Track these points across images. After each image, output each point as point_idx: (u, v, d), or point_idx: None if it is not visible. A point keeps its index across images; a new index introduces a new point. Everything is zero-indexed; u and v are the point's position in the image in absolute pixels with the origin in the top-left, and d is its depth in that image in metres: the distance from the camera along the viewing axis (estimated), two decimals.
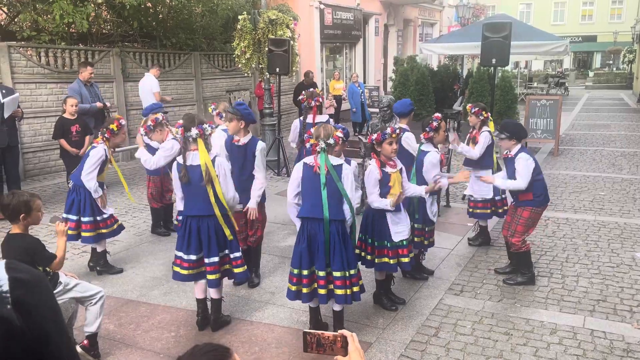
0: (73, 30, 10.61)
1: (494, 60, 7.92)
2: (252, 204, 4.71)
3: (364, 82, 20.28)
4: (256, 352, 3.98)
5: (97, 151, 5.12)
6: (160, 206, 6.59)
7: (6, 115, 6.91)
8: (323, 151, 3.85)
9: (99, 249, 5.42)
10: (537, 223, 5.23)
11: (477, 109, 6.01)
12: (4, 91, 7.05)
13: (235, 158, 4.76)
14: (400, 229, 4.37)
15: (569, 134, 14.73)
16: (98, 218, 5.20)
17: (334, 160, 3.91)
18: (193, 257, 4.08)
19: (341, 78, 16.64)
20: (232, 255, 4.19)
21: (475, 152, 5.92)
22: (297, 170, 4.00)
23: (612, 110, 20.92)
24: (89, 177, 5.07)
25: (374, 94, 17.68)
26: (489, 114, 6.12)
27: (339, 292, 3.89)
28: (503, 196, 6.08)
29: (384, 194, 4.26)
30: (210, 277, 4.11)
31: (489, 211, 6.09)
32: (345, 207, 3.91)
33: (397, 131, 4.26)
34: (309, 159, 3.96)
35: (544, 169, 10.09)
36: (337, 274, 3.87)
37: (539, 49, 13.22)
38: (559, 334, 4.22)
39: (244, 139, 4.73)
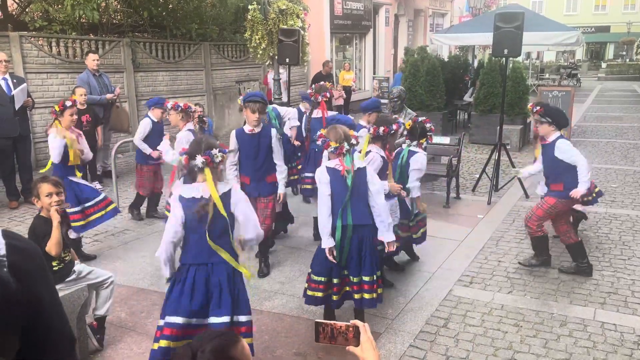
0: (84, 20, 10.63)
1: (505, 51, 7.83)
2: (282, 189, 4.90)
3: (374, 73, 20.22)
4: (266, 341, 4.01)
5: (50, 138, 5.14)
6: (147, 195, 6.74)
7: (17, 106, 6.96)
8: (348, 153, 3.73)
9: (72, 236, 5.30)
10: (560, 214, 5.08)
11: (539, 107, 5.59)
12: (15, 81, 7.10)
13: (249, 148, 4.81)
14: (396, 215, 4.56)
15: (581, 125, 14.60)
16: (86, 205, 5.20)
17: (357, 163, 3.81)
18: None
19: (351, 69, 16.58)
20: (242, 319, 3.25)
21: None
22: (323, 176, 3.75)
23: (624, 102, 20.68)
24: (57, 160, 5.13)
25: (384, 84, 17.62)
26: None
27: (362, 296, 3.81)
28: None
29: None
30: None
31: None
32: (377, 211, 3.81)
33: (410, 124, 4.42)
34: (332, 162, 3.78)
35: None
36: (366, 278, 3.79)
37: (551, 40, 13.07)
38: (569, 326, 4.21)
39: (257, 128, 4.78)
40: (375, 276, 3.82)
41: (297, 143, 6.41)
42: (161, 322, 3.17)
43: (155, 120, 6.58)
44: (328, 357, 3.77)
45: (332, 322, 1.68)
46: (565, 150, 4.84)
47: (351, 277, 3.82)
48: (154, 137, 6.43)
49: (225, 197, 3.14)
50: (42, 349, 1.30)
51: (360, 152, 4.33)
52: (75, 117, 5.33)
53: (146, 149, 6.44)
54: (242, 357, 1.55)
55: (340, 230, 3.71)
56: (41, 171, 5.52)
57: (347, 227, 3.72)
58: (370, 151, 4.47)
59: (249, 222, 3.22)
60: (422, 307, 4.54)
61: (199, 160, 3.08)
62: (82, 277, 3.71)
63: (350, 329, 1.66)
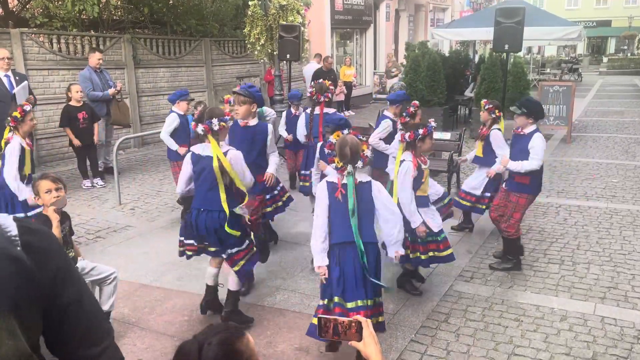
0: (84, 17, 10.64)
1: (506, 46, 7.84)
2: (272, 170, 4.88)
3: (375, 68, 20.20)
4: (268, 336, 4.04)
5: (11, 147, 4.89)
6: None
7: (19, 102, 6.97)
8: (350, 175, 3.43)
9: None
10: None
11: (491, 105, 5.90)
12: (17, 78, 7.12)
13: (242, 141, 4.64)
14: (436, 221, 4.46)
15: (582, 120, 14.59)
16: (29, 214, 4.67)
17: (361, 177, 3.54)
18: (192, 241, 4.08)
19: (352, 64, 16.55)
20: (231, 250, 4.03)
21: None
22: (323, 192, 3.52)
23: (626, 97, 20.65)
24: (10, 177, 4.82)
25: (385, 80, 17.60)
26: (502, 113, 6.02)
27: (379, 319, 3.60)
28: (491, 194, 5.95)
29: (415, 189, 4.30)
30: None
31: (469, 204, 6.04)
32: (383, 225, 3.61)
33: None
34: (334, 177, 3.54)
35: (557, 156, 10.07)
36: (369, 302, 3.47)
37: (552, 35, 13.05)
38: (569, 320, 4.23)
39: (252, 122, 4.75)
40: (378, 300, 3.58)
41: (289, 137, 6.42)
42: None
43: (182, 113, 6.53)
44: (330, 352, 3.79)
45: (335, 317, 1.71)
46: (537, 143, 4.86)
47: (346, 303, 3.44)
48: (181, 131, 6.41)
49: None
50: (70, 331, 1.35)
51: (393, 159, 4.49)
52: (34, 122, 5.11)
53: (172, 145, 6.36)
54: (248, 350, 1.58)
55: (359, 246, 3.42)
56: None
57: (358, 247, 3.42)
58: (404, 160, 4.31)
59: (244, 175, 4.04)
60: (423, 302, 4.57)
61: (200, 128, 3.86)
62: (85, 273, 3.73)
63: (353, 324, 1.68)
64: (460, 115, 14.57)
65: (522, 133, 5.01)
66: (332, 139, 3.71)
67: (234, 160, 3.94)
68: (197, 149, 4.00)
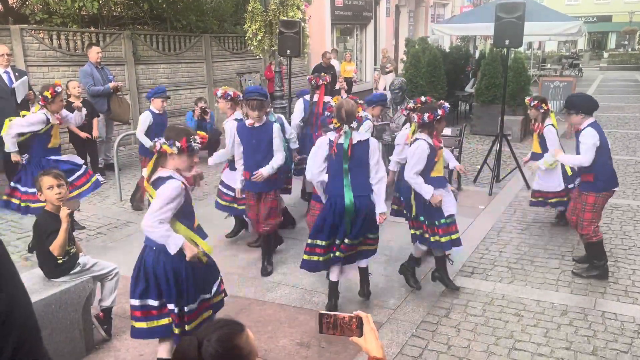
0: (84, 13, 10.62)
1: (507, 42, 7.82)
2: (265, 170, 4.72)
3: (375, 64, 20.16)
4: (269, 332, 4.05)
5: (33, 115, 5.23)
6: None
7: (19, 98, 6.98)
8: (346, 134, 3.91)
9: None
10: (602, 209, 4.89)
11: (536, 101, 5.89)
12: (17, 74, 7.12)
13: (249, 141, 4.79)
14: (450, 203, 4.46)
15: None
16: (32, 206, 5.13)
17: (359, 136, 3.97)
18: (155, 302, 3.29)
19: (352, 60, 16.52)
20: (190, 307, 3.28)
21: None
22: (323, 144, 4.00)
23: (626, 92, 20.62)
24: (7, 132, 5.21)
25: (377, 76, 17.56)
26: (549, 106, 5.99)
27: (366, 248, 4.22)
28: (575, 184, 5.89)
29: (428, 169, 4.34)
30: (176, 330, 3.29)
31: (565, 199, 5.82)
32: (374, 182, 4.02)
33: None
34: (333, 135, 3.98)
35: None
36: (371, 235, 4.19)
37: (552, 30, 13.02)
38: (569, 315, 4.24)
39: (258, 122, 4.76)
40: (377, 235, 4.24)
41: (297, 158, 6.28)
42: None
43: (157, 111, 6.59)
44: (331, 347, 3.81)
45: (335, 313, 1.71)
46: (583, 138, 4.65)
47: (353, 240, 4.08)
48: (156, 129, 6.44)
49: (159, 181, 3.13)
50: (5, 339, 1.24)
51: (406, 139, 4.65)
52: (64, 102, 5.53)
53: (147, 143, 6.44)
54: (247, 346, 1.59)
55: (348, 195, 3.95)
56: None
57: (348, 205, 3.96)
58: (417, 139, 4.37)
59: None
60: (424, 297, 4.58)
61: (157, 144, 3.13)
62: (87, 269, 3.74)
63: (354, 319, 1.69)
64: (461, 111, 14.56)
65: (579, 129, 4.78)
66: (332, 102, 4.02)
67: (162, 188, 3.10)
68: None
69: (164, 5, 11.98)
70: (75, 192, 5.33)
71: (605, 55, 40.61)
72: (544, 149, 5.88)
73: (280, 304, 4.50)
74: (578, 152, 4.74)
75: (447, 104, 4.49)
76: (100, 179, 8.12)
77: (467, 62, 15.49)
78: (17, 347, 1.27)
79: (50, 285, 3.55)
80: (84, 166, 5.70)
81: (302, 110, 6.37)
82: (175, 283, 3.16)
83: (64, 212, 3.48)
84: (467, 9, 21.68)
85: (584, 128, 4.69)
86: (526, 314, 4.27)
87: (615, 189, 4.82)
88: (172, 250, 3.10)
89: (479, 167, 8.38)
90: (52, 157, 5.42)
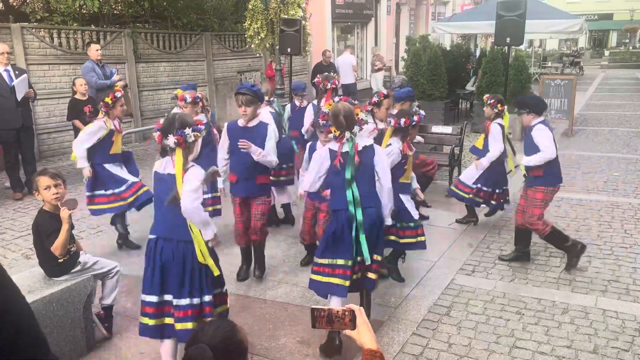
0: (85, 11, 10.62)
1: (508, 40, 7.81)
2: (256, 149, 4.32)
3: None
4: (270, 330, 4.05)
5: (94, 124, 5.16)
6: None
7: (19, 96, 6.98)
8: (349, 141, 3.54)
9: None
10: (548, 205, 5.11)
11: (493, 100, 5.93)
12: (17, 72, 7.12)
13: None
14: (414, 209, 4.47)
15: (583, 114, 14.56)
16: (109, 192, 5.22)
17: (364, 141, 3.64)
18: (154, 298, 3.27)
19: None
20: (205, 299, 3.29)
21: (495, 150, 5.82)
22: (324, 157, 3.61)
23: (627, 90, 20.60)
24: (76, 145, 5.13)
25: (386, 74, 17.55)
26: (505, 107, 6.02)
27: (370, 275, 3.73)
28: (504, 188, 6.04)
29: (398, 176, 4.29)
30: (178, 325, 3.24)
31: (466, 195, 6.06)
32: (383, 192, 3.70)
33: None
34: (334, 145, 3.60)
35: (558, 150, 10.03)
36: (378, 257, 3.73)
37: (553, 28, 13.01)
38: (570, 313, 4.24)
39: (252, 122, 4.49)
40: (380, 257, 3.82)
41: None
42: None
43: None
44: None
45: (328, 307, 1.72)
46: (537, 134, 4.86)
47: (346, 260, 3.60)
48: None
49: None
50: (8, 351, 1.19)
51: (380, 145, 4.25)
52: (125, 107, 5.43)
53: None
54: (244, 338, 1.70)
55: (353, 205, 3.55)
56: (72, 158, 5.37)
57: (356, 204, 3.56)
58: (390, 144, 4.35)
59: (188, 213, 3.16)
60: (425, 295, 4.58)
61: (171, 140, 3.13)
62: (87, 267, 3.74)
63: (347, 313, 1.70)
64: (462, 109, 14.55)
65: (529, 127, 5.01)
66: (325, 109, 3.69)
67: (190, 173, 3.18)
68: (158, 165, 3.32)
69: (165, 3, 11.99)
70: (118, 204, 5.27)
71: (606, 53, 40.62)
72: (487, 145, 5.94)
73: (281, 302, 4.50)
74: (528, 150, 4.95)
75: (422, 112, 4.54)
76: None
77: (468, 60, 15.49)
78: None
79: (51, 283, 3.55)
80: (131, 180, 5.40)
81: (312, 116, 6.24)
82: (193, 275, 3.21)
83: (65, 213, 3.46)
84: (468, 7, 21.65)
85: (534, 125, 4.92)
86: (527, 312, 4.27)
87: (560, 185, 5.06)
88: (209, 235, 3.20)
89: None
90: (108, 167, 5.25)
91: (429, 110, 5.63)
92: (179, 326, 3.22)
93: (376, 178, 3.68)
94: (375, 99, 5.26)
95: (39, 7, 10.19)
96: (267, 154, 4.43)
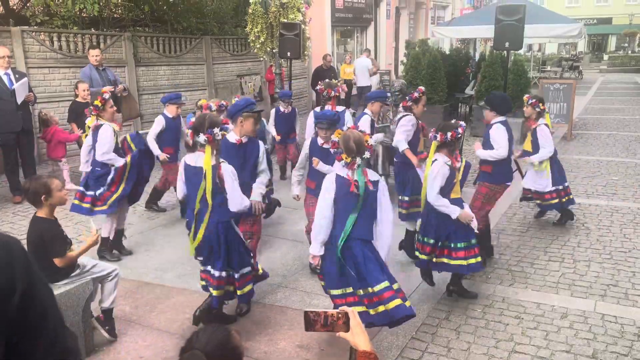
0: (85, 15, 10.64)
1: (507, 44, 7.84)
2: (256, 197, 4.29)
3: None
4: (269, 334, 4.05)
5: (104, 129, 5.13)
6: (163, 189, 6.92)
7: (19, 100, 6.98)
8: (360, 167, 3.47)
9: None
10: (494, 202, 5.26)
11: (534, 100, 5.98)
12: (17, 76, 7.12)
13: (234, 159, 4.14)
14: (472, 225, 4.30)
15: (582, 118, 14.58)
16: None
17: (371, 176, 3.55)
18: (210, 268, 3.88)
19: (352, 62, 16.54)
20: (237, 275, 3.91)
21: (547, 150, 5.94)
22: (330, 184, 3.50)
23: (626, 95, 20.63)
24: (108, 156, 5.13)
25: (385, 78, 17.58)
26: (545, 107, 6.09)
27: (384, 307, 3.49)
28: (565, 185, 6.14)
29: (448, 191, 4.21)
30: (214, 292, 3.89)
31: (556, 201, 6.09)
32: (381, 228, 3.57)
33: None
34: (343, 171, 3.51)
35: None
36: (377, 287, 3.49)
37: (552, 32, 13.05)
38: (569, 318, 4.24)
39: (244, 138, 4.37)
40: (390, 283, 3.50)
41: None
42: None
43: (170, 116, 6.54)
44: (330, 350, 3.81)
45: (321, 310, 1.73)
46: (494, 132, 5.03)
47: (366, 289, 3.47)
48: (168, 133, 6.46)
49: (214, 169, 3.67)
50: (34, 351, 1.21)
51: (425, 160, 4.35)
52: (114, 108, 5.44)
53: (155, 150, 6.32)
54: (239, 343, 1.71)
55: (344, 241, 3.46)
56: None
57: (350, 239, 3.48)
58: (436, 160, 4.23)
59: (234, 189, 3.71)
60: (424, 300, 4.58)
61: (202, 137, 3.61)
62: (86, 270, 3.74)
63: (340, 315, 1.71)
64: (461, 113, 14.56)
65: (488, 123, 5.21)
66: (335, 137, 3.63)
67: (225, 174, 3.69)
68: (190, 159, 3.85)
69: (165, 7, 12.01)
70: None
71: (606, 57, 40.65)
72: (535, 146, 5.97)
73: (280, 306, 4.50)
74: (484, 144, 5.14)
75: (463, 123, 4.41)
76: None
77: (467, 65, 15.51)
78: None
79: (50, 287, 3.54)
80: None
81: (313, 125, 6.20)
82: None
83: (89, 239, 3.59)
84: (467, 12, 21.71)
85: (494, 123, 5.07)
86: (526, 317, 4.27)
87: (508, 184, 5.18)
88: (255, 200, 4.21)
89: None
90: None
91: (428, 114, 5.66)
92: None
93: (382, 210, 3.56)
94: (415, 94, 5.29)
95: (39, 10, 10.20)
96: (262, 181, 4.46)
